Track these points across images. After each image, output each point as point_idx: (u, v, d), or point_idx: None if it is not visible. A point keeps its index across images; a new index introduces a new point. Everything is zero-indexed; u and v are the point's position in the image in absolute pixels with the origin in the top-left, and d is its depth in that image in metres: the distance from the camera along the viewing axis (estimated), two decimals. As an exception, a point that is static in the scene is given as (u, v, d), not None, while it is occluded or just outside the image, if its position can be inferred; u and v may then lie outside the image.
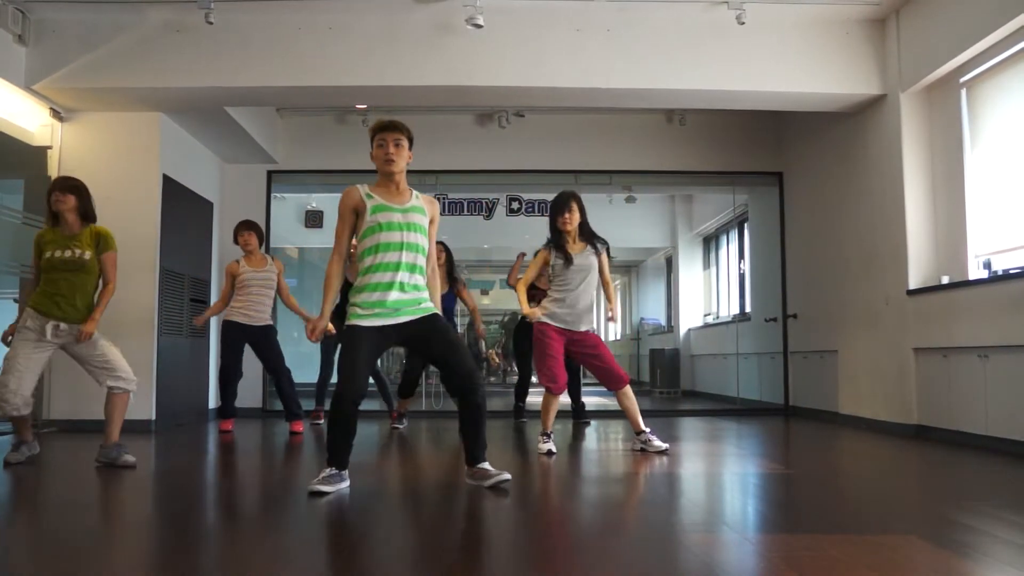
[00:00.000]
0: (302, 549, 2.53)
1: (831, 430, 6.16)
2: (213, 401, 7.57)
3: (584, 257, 4.72)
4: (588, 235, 4.80)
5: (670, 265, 11.88)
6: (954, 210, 5.62)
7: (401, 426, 6.36)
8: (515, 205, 8.50)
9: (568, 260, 4.67)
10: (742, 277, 9.57)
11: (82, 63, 5.85)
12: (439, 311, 3.57)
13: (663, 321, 12.44)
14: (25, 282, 6.34)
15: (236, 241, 6.09)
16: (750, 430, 6.31)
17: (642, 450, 4.68)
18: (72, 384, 6.09)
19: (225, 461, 4.95)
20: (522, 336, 6.77)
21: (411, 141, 3.58)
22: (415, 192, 3.60)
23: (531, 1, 5.79)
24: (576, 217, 4.73)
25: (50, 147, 6.28)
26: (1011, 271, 5.01)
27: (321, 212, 9.21)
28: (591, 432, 6.13)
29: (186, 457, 5.05)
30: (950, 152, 5.68)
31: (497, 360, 12.40)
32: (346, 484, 3.41)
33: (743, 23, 5.69)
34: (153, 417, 6.22)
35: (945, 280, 5.53)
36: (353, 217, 3.51)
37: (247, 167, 7.93)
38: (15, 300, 6.54)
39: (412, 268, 3.45)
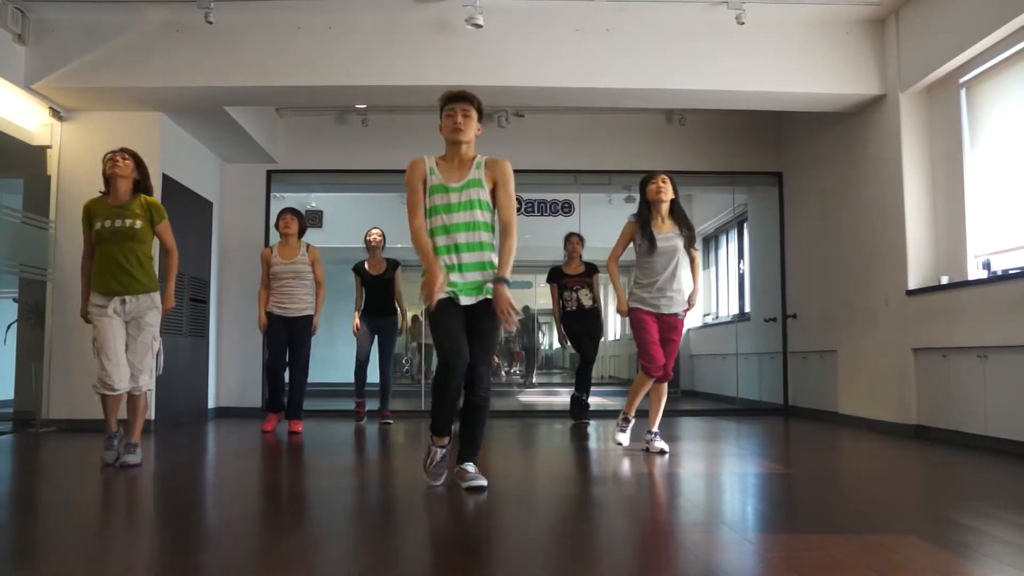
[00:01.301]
0: (311, 549, 2.52)
1: (831, 430, 6.16)
2: (213, 401, 7.58)
3: (669, 239, 4.58)
4: (680, 217, 4.67)
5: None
6: (954, 210, 5.62)
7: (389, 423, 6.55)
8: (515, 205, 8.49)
9: (652, 244, 4.55)
10: (742, 277, 9.57)
11: (82, 63, 5.85)
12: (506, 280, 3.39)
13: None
14: (25, 282, 6.35)
15: (276, 225, 6.04)
16: (750, 430, 6.31)
17: (646, 449, 4.67)
18: (71, 384, 6.09)
19: (225, 461, 4.95)
20: (572, 319, 6.73)
21: (481, 113, 3.57)
22: (479, 160, 3.52)
23: (531, 1, 5.79)
24: (669, 190, 4.60)
25: (50, 147, 6.27)
26: (1011, 271, 5.01)
27: (321, 212, 9.21)
28: (591, 432, 6.12)
29: (186, 457, 5.04)
30: (950, 152, 5.68)
31: (495, 360, 12.40)
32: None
33: (743, 23, 5.69)
34: (153, 417, 6.21)
35: (944, 280, 5.53)
36: (422, 186, 3.46)
37: (247, 167, 7.93)
38: (15, 300, 6.55)
39: (472, 247, 3.39)
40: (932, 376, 5.52)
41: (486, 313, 3.38)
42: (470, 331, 3.39)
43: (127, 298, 4.10)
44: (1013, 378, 4.70)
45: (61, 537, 2.68)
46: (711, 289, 10.91)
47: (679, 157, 8.15)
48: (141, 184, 4.26)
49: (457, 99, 3.49)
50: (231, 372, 7.76)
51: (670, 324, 4.65)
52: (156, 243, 4.41)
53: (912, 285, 5.76)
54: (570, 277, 6.79)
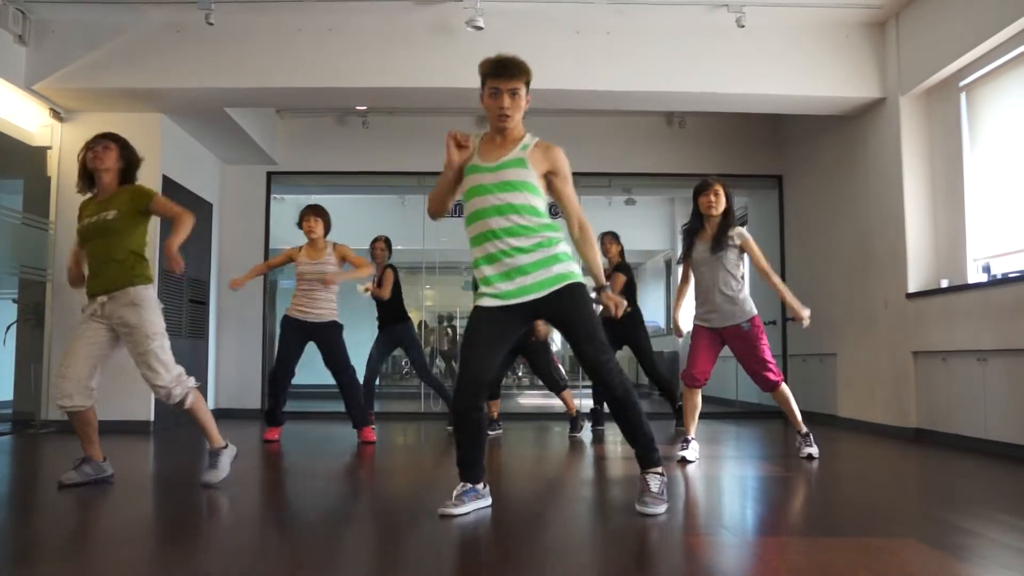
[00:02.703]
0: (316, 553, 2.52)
1: (830, 433, 6.16)
2: (212, 402, 7.57)
3: (704, 250, 4.47)
4: (724, 227, 4.48)
5: (669, 268, 11.87)
6: (953, 214, 5.62)
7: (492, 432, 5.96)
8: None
9: (686, 256, 4.49)
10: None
11: (82, 63, 5.85)
12: (574, 280, 2.96)
13: (662, 324, 12.44)
14: (25, 283, 6.36)
15: (300, 225, 5.55)
16: (749, 433, 6.31)
17: (808, 456, 4.55)
18: (71, 385, 6.09)
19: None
20: (613, 325, 6.28)
21: (529, 83, 3.06)
22: (526, 142, 3.10)
23: (531, 3, 5.79)
24: (722, 203, 4.44)
25: (50, 147, 6.28)
26: (1010, 275, 5.01)
27: (320, 213, 9.20)
28: (589, 436, 6.12)
29: (185, 458, 5.04)
30: (949, 156, 5.69)
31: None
32: (484, 502, 3.05)
33: (743, 26, 5.70)
34: (152, 418, 6.22)
35: (944, 284, 5.53)
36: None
37: (247, 168, 7.94)
38: (14, 300, 6.55)
39: (510, 232, 2.92)
40: (931, 379, 5.52)
41: (564, 298, 2.91)
42: (565, 326, 2.95)
43: (104, 298, 3.62)
44: (1012, 382, 4.70)
45: (60, 538, 2.68)
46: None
47: (679, 159, 8.16)
48: (127, 172, 3.80)
49: (502, 75, 2.96)
50: (230, 374, 7.76)
51: (735, 336, 4.43)
52: (152, 239, 4.04)
53: (912, 288, 5.76)
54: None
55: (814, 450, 4.58)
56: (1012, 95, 5.13)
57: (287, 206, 9.19)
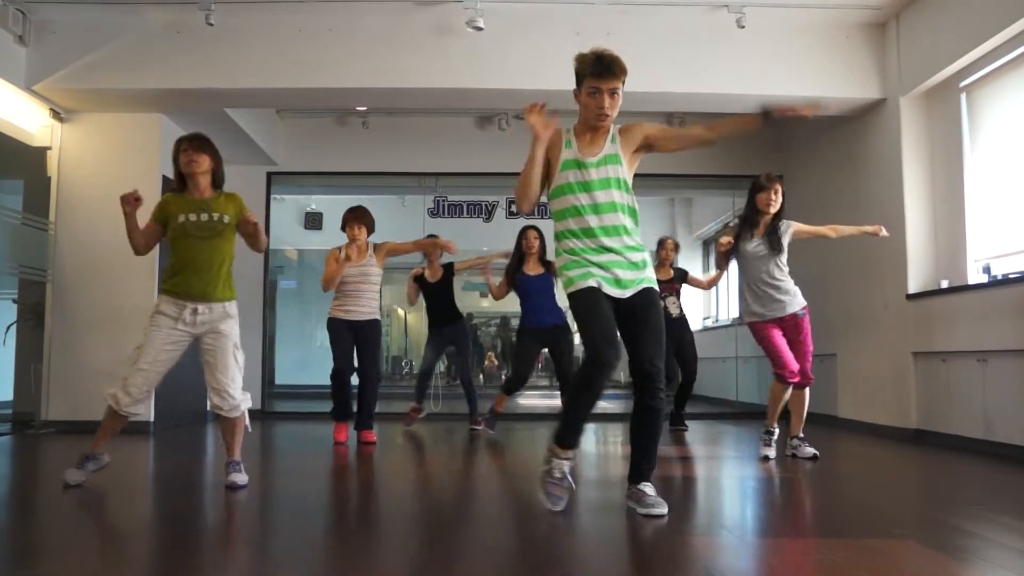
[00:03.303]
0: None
1: (830, 434, 6.16)
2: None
3: (757, 245, 4.60)
4: (775, 227, 4.65)
5: (670, 268, 11.87)
6: (954, 214, 5.62)
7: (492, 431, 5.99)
8: (515, 208, 8.50)
9: (739, 253, 4.59)
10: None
11: (82, 64, 5.85)
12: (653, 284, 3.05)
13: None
14: (25, 283, 6.35)
15: (343, 228, 5.49)
16: (749, 434, 6.30)
17: (792, 455, 4.61)
18: (70, 385, 6.09)
19: (223, 463, 4.94)
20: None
21: (625, 82, 3.05)
22: (613, 133, 3.12)
23: (531, 4, 5.79)
24: (779, 202, 4.59)
25: (50, 148, 6.28)
26: (1011, 276, 5.01)
27: (320, 214, 9.21)
28: (591, 436, 6.11)
29: (185, 458, 5.04)
30: (950, 156, 5.68)
31: (495, 362, 12.41)
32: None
33: (743, 27, 5.69)
34: (152, 419, 6.21)
35: (944, 284, 5.53)
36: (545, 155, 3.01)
37: (247, 168, 7.93)
38: (14, 301, 6.55)
39: (610, 231, 3.00)
40: (932, 380, 5.52)
41: (646, 299, 2.98)
42: (633, 323, 2.97)
43: (200, 307, 3.56)
44: (1013, 382, 4.70)
45: (60, 538, 2.68)
46: (711, 292, 10.90)
47: (679, 160, 8.12)
48: (217, 174, 3.80)
49: (604, 75, 2.94)
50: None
51: (791, 324, 4.54)
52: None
53: (912, 289, 5.76)
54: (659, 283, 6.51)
55: (771, 451, 4.64)
56: (1012, 96, 5.12)
57: (287, 206, 9.20)
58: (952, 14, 5.28)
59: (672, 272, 6.54)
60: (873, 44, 6.07)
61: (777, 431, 4.65)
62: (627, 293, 2.96)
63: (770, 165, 8.15)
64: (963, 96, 5.53)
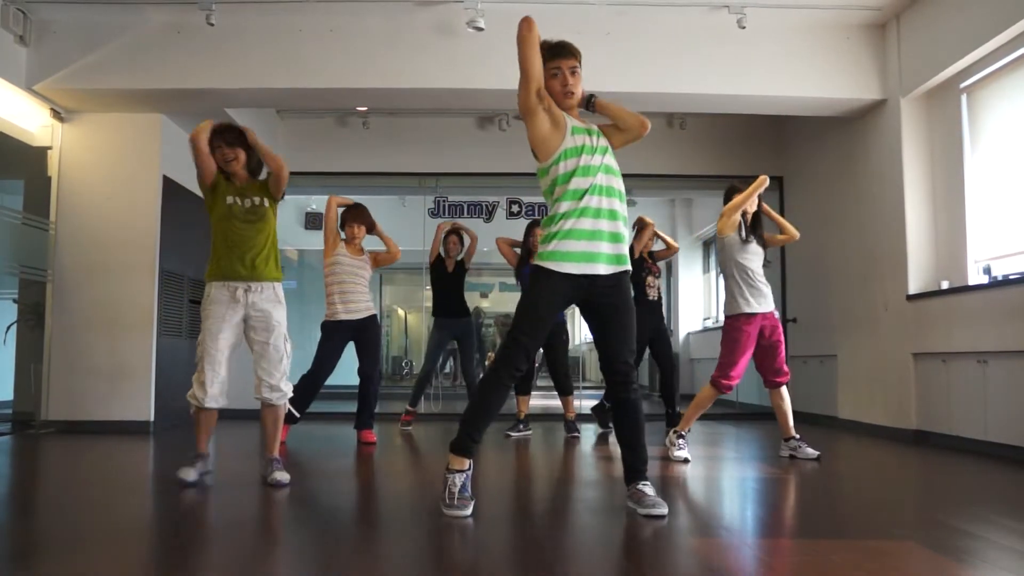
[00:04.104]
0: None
1: (830, 434, 6.16)
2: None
3: (755, 243, 4.72)
4: (759, 223, 4.81)
5: (670, 269, 11.87)
6: (954, 215, 5.62)
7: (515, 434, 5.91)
8: (515, 208, 8.49)
9: (750, 232, 4.70)
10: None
11: (83, 64, 5.85)
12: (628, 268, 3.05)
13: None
14: (25, 283, 6.36)
15: (342, 228, 5.48)
16: (749, 434, 6.31)
17: (792, 456, 4.63)
18: (70, 385, 6.10)
19: (224, 463, 4.94)
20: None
21: (581, 65, 3.14)
22: (595, 129, 3.15)
23: (532, 4, 5.78)
24: (755, 200, 4.74)
25: (50, 148, 6.28)
26: (1011, 276, 5.01)
27: (321, 214, 9.20)
28: (588, 436, 6.11)
29: (185, 458, 5.03)
30: (950, 157, 5.69)
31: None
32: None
33: (744, 27, 5.69)
34: (151, 418, 6.21)
35: (945, 285, 5.53)
36: (547, 116, 3.02)
37: (247, 169, 7.93)
38: (14, 301, 6.55)
39: (607, 215, 2.99)
40: (932, 381, 5.52)
41: (619, 291, 2.99)
42: (605, 319, 2.99)
43: (252, 285, 3.67)
44: (1013, 383, 4.70)
45: (60, 538, 2.68)
46: (711, 293, 10.91)
47: (679, 161, 8.16)
48: (252, 163, 3.84)
49: (561, 54, 3.08)
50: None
51: (770, 321, 4.65)
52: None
53: (912, 290, 5.76)
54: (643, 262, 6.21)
55: (812, 452, 4.63)
56: (1013, 97, 5.13)
57: (287, 207, 9.19)
58: (952, 15, 5.29)
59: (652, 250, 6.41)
60: (873, 45, 6.07)
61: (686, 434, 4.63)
62: (607, 271, 2.96)
63: (770, 166, 8.17)
64: (963, 97, 5.53)
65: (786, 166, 8.09)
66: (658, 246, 6.50)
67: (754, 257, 4.67)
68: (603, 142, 3.11)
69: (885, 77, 6.06)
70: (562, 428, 6.19)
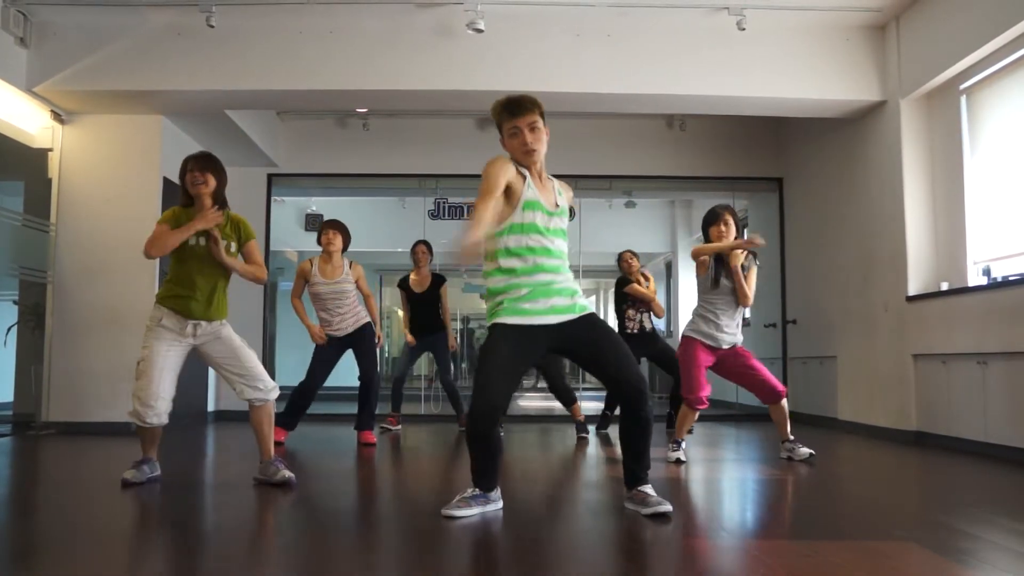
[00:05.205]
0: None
1: (830, 436, 6.16)
2: (212, 404, 7.57)
3: (726, 278, 4.58)
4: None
5: (670, 270, 11.87)
6: (954, 216, 5.62)
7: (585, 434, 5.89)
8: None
9: (716, 281, 4.54)
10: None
11: (83, 66, 5.86)
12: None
13: (662, 326, 12.45)
14: (25, 284, 6.37)
15: (318, 239, 5.49)
16: (749, 436, 6.31)
17: (788, 458, 4.62)
18: (71, 387, 6.10)
19: (224, 463, 4.95)
20: (634, 345, 5.98)
21: (543, 115, 2.97)
22: (557, 187, 3.07)
23: (532, 6, 5.80)
24: (733, 232, 4.57)
25: (51, 149, 6.29)
26: (1010, 278, 5.01)
27: (321, 216, 9.21)
28: (594, 438, 6.11)
29: (187, 459, 5.03)
30: (950, 158, 5.69)
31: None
32: (494, 506, 3.02)
33: (743, 29, 5.70)
34: (152, 420, 6.20)
35: (944, 286, 5.53)
36: (502, 192, 2.86)
37: (247, 170, 7.93)
38: (15, 302, 6.56)
39: (556, 270, 2.99)
40: (932, 382, 5.52)
41: (594, 325, 2.99)
42: (595, 348, 2.97)
43: (202, 323, 3.65)
44: (1013, 384, 4.70)
45: (60, 538, 2.68)
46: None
47: (679, 162, 8.17)
48: (219, 193, 3.78)
49: (516, 114, 2.91)
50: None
51: (730, 355, 4.59)
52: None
53: (912, 291, 5.76)
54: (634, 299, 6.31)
55: (805, 451, 4.62)
56: (1012, 98, 5.13)
57: (287, 208, 9.21)
58: (952, 16, 5.29)
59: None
60: (873, 46, 6.08)
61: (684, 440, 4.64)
62: (567, 317, 2.95)
63: (770, 167, 8.19)
64: (963, 98, 5.54)
65: (786, 167, 8.09)
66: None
67: (721, 298, 4.56)
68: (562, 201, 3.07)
69: (885, 78, 6.06)
70: (571, 429, 6.19)
